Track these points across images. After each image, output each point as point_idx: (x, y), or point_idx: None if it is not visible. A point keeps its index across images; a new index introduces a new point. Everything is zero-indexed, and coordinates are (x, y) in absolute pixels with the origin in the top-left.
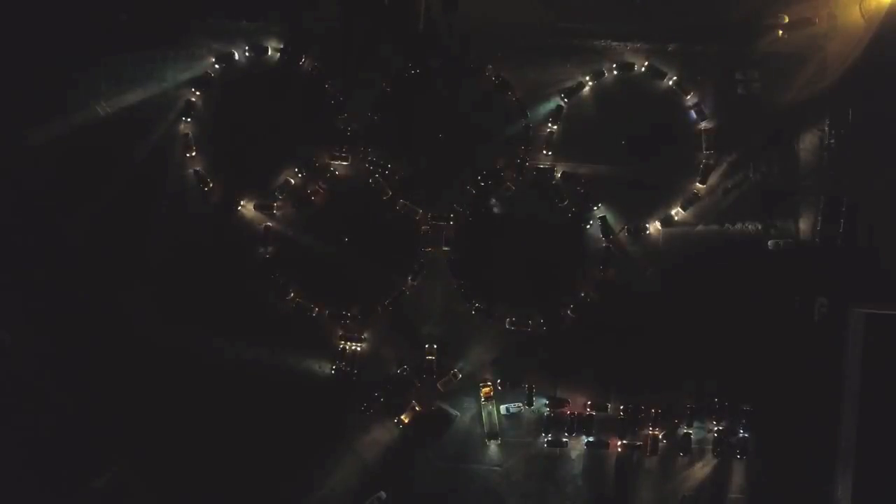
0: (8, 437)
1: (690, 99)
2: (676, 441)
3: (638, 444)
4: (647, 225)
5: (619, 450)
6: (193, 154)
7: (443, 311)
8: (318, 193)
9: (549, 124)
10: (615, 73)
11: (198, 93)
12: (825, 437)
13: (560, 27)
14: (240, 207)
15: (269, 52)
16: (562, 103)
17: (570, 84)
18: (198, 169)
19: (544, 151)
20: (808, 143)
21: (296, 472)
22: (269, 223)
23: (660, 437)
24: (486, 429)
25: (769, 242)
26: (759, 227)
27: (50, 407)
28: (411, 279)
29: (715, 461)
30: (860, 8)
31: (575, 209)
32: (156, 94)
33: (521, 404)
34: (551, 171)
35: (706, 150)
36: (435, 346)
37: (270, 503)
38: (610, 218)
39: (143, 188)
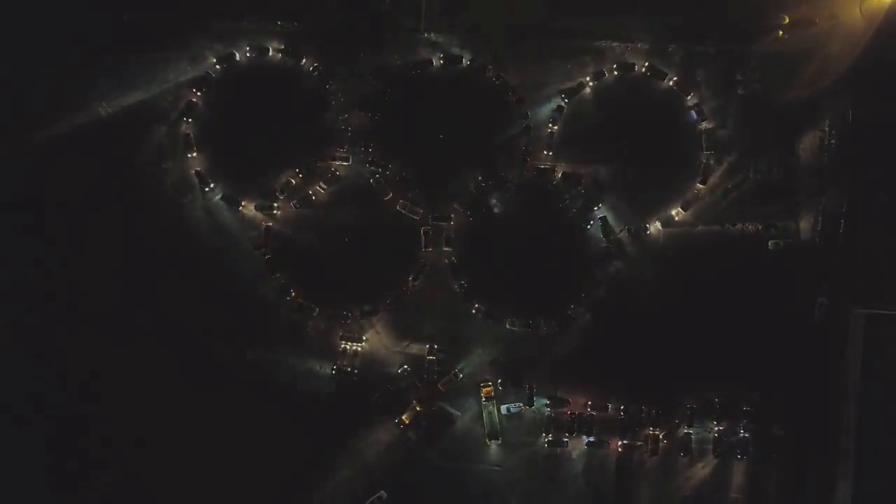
0: (9, 437)
1: (690, 99)
2: (676, 441)
3: (638, 444)
4: (647, 225)
5: (620, 450)
6: (194, 154)
7: (443, 312)
8: (318, 193)
9: (550, 124)
10: (615, 73)
11: (198, 93)
12: (825, 437)
13: (560, 27)
14: (240, 207)
15: (270, 53)
16: (562, 103)
17: (570, 84)
18: (199, 169)
19: (544, 151)
20: (808, 143)
21: (297, 472)
22: (269, 223)
23: (660, 437)
24: (486, 429)
25: (769, 242)
26: (759, 227)
27: (51, 407)
28: (412, 279)
29: (715, 461)
30: (860, 8)
31: (575, 209)
32: (156, 94)
33: (521, 404)
34: (551, 171)
35: (706, 150)
36: (435, 346)
37: (272, 503)
38: (610, 218)
39: (143, 188)
